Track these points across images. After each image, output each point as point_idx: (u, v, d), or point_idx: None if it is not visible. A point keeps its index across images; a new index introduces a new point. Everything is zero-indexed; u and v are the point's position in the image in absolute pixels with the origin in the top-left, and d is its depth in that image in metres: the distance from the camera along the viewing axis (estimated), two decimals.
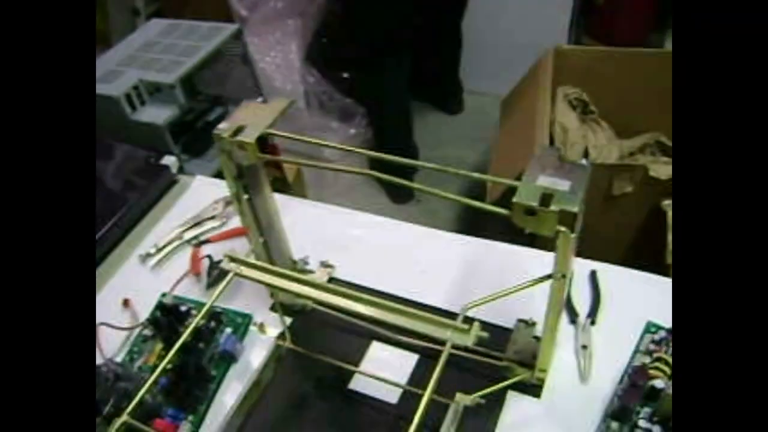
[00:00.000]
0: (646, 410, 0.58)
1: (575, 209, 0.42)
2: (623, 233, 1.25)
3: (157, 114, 1.09)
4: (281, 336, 0.70)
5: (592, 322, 0.68)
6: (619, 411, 0.59)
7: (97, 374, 0.63)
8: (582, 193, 0.43)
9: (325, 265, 0.77)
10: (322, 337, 0.71)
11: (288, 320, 0.71)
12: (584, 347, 0.66)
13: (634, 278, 0.73)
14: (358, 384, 0.67)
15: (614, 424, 0.58)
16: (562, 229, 0.44)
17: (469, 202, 0.47)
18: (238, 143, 0.54)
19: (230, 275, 0.57)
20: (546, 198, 0.43)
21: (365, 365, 0.68)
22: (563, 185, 0.44)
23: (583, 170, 0.45)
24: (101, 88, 1.08)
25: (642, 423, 0.57)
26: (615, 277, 0.73)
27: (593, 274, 0.73)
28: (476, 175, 0.50)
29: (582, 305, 0.70)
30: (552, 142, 1.28)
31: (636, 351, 0.64)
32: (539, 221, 0.44)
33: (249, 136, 0.54)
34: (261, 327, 0.72)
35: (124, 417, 0.50)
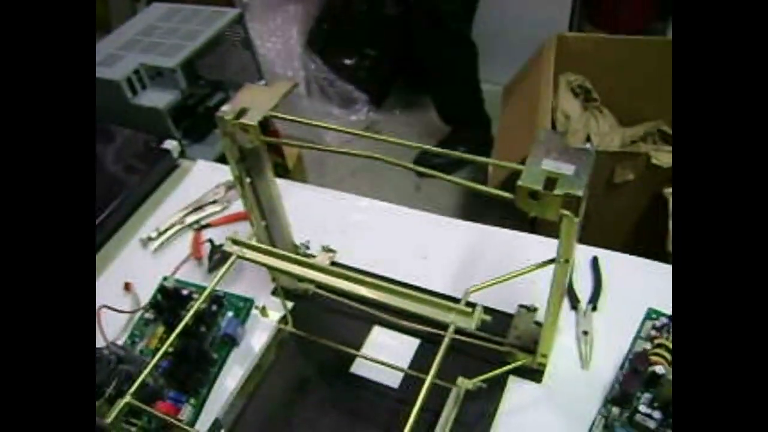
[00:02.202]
0: (647, 396, 0.58)
1: (580, 193, 0.42)
2: (625, 220, 1.25)
3: (158, 98, 1.08)
4: (283, 320, 0.70)
5: (594, 308, 0.68)
6: (620, 396, 0.59)
7: (99, 357, 0.63)
8: (587, 177, 0.43)
9: (326, 249, 0.77)
10: (324, 322, 0.72)
11: (289, 304, 0.71)
12: (585, 333, 0.66)
13: (636, 265, 0.73)
14: (359, 368, 0.67)
15: (615, 410, 0.59)
16: (567, 213, 0.44)
17: (474, 185, 0.47)
18: (241, 125, 0.54)
19: (233, 257, 0.57)
20: (550, 181, 0.43)
21: (366, 350, 0.68)
22: (568, 169, 0.44)
23: (587, 154, 0.45)
24: (102, 72, 1.07)
25: (642, 408, 0.57)
26: (616, 263, 0.73)
27: (595, 261, 0.73)
28: (480, 159, 0.50)
29: (583, 291, 0.70)
30: (554, 129, 1.28)
31: (637, 337, 0.65)
32: (543, 205, 0.44)
33: (252, 119, 0.54)
34: (263, 310, 0.72)
35: (127, 398, 0.50)
